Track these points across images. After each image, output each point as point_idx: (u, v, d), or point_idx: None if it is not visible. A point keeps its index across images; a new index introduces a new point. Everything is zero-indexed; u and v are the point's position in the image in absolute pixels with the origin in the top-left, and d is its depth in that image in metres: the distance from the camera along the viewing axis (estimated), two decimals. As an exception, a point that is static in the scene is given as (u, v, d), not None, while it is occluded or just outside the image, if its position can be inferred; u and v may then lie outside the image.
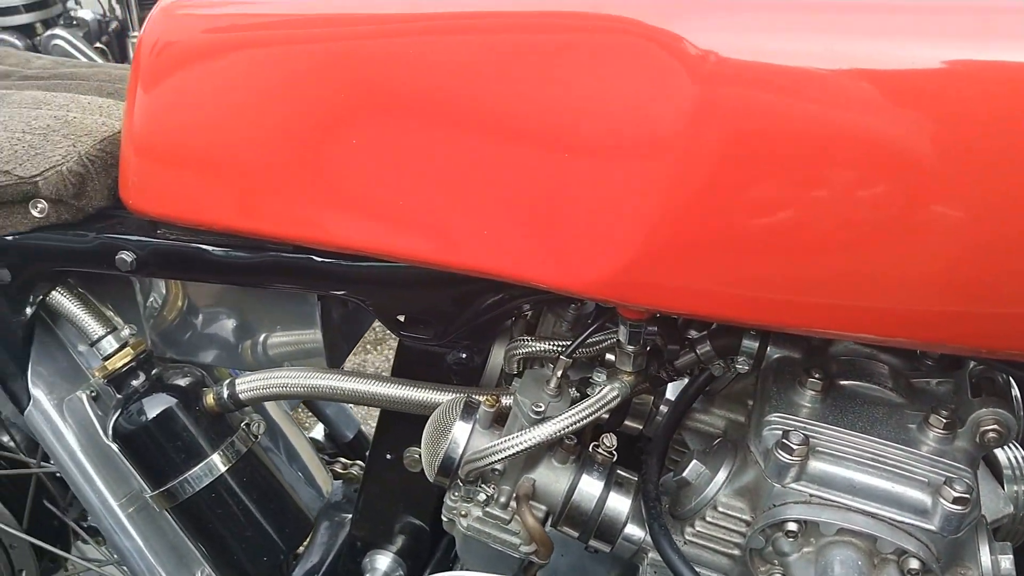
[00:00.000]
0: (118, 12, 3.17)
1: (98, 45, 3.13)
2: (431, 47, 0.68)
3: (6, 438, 1.28)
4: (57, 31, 3.06)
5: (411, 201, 0.72)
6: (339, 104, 0.72)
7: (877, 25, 0.59)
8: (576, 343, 0.77)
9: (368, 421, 1.74)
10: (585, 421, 0.74)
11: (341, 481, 1.21)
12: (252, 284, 0.87)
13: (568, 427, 0.74)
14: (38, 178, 0.83)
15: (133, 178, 0.83)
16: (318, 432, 1.32)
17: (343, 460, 1.21)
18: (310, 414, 1.38)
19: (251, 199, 0.79)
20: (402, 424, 0.92)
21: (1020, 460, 0.84)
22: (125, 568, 1.04)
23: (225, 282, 0.88)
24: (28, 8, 3.08)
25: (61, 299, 0.93)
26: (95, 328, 0.93)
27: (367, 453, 1.24)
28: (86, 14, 3.18)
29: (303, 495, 1.04)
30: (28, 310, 0.93)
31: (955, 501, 0.65)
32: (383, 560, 1.00)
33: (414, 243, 0.73)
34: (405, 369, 0.90)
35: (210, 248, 0.84)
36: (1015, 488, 0.83)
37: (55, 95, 0.92)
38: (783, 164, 0.60)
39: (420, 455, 0.92)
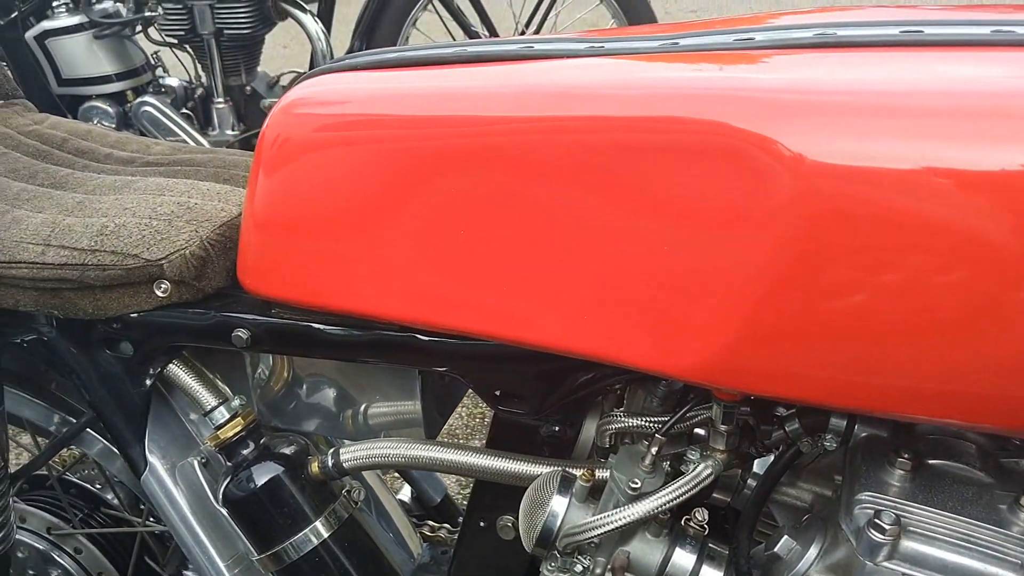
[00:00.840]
0: (203, 79, 3.30)
1: (184, 111, 3.26)
2: (535, 147, 0.73)
3: (110, 496, 1.35)
4: (147, 98, 3.21)
5: (514, 288, 0.76)
6: (446, 200, 0.78)
7: (954, 127, 0.62)
8: (670, 423, 0.80)
9: (453, 485, 1.77)
10: (681, 499, 0.77)
11: (427, 544, 1.25)
12: (359, 360, 0.92)
13: (665, 504, 0.77)
14: (163, 261, 0.90)
15: (251, 262, 0.89)
16: (405, 494, 1.37)
17: (431, 523, 1.25)
18: (397, 476, 1.43)
19: (361, 284, 0.84)
20: (495, 493, 0.95)
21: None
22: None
23: (333, 358, 0.93)
24: (120, 77, 3.23)
25: (177, 371, 0.99)
26: (208, 399, 0.99)
27: (457, 517, 1.29)
28: (173, 81, 3.32)
29: (396, 557, 1.08)
30: (147, 381, 0.99)
31: (1048, 584, 0.66)
32: (475, 623, 1.03)
33: (516, 327, 0.77)
34: (499, 440, 0.94)
35: (320, 327, 0.89)
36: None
37: (176, 182, 0.99)
38: (871, 254, 0.63)
39: (513, 523, 0.96)
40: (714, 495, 0.90)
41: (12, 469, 1.12)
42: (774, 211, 0.65)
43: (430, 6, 3.23)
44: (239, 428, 0.98)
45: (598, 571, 0.82)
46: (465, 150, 0.77)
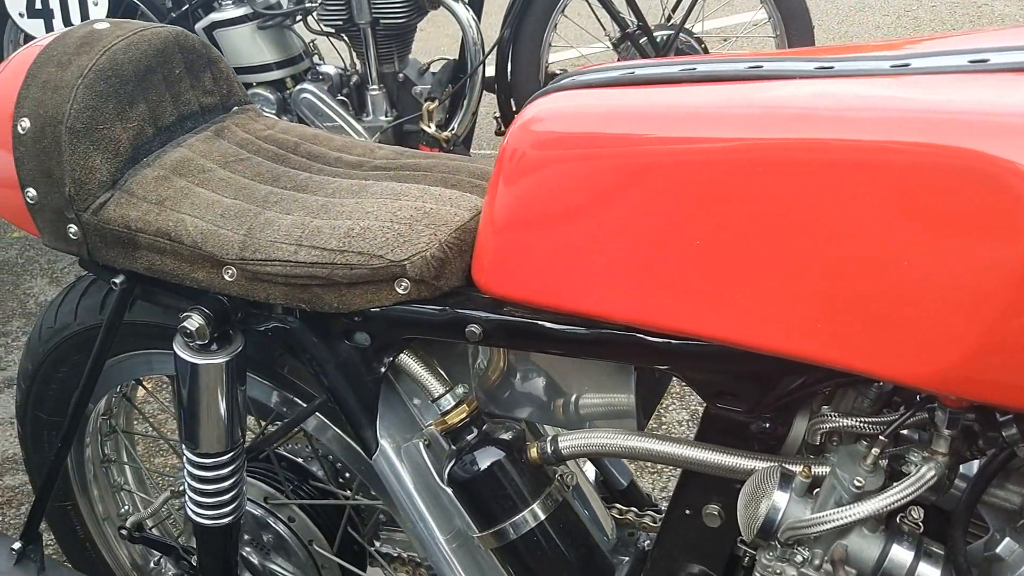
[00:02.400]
0: (358, 67, 3.43)
1: (340, 97, 3.40)
2: (775, 167, 0.78)
3: (315, 468, 1.46)
4: (306, 85, 3.36)
5: (749, 294, 0.82)
6: (680, 213, 0.83)
7: None
8: (894, 427, 0.85)
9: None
10: (907, 499, 0.81)
11: (617, 526, 1.31)
12: (583, 356, 0.99)
13: (891, 504, 0.82)
14: (405, 262, 0.98)
15: (488, 264, 0.97)
16: (590, 476, 1.43)
17: (618, 506, 1.32)
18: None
19: (591, 287, 0.91)
20: (703, 483, 1.01)
21: None
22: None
23: (559, 354, 1.00)
24: (280, 65, 3.39)
25: (408, 361, 1.08)
26: (437, 387, 1.07)
27: (642, 502, 1.35)
28: (329, 69, 3.46)
29: (598, 539, 1.15)
30: (381, 370, 1.08)
31: None
32: (674, 605, 1.10)
33: (750, 332, 0.83)
34: (709, 434, 0.99)
35: (549, 325, 0.96)
36: None
37: (408, 187, 1.07)
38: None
39: (718, 512, 1.02)
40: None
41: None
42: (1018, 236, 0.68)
43: (579, -7, 3.28)
44: (464, 415, 1.07)
45: (816, 562, 0.87)
46: (701, 168, 0.82)
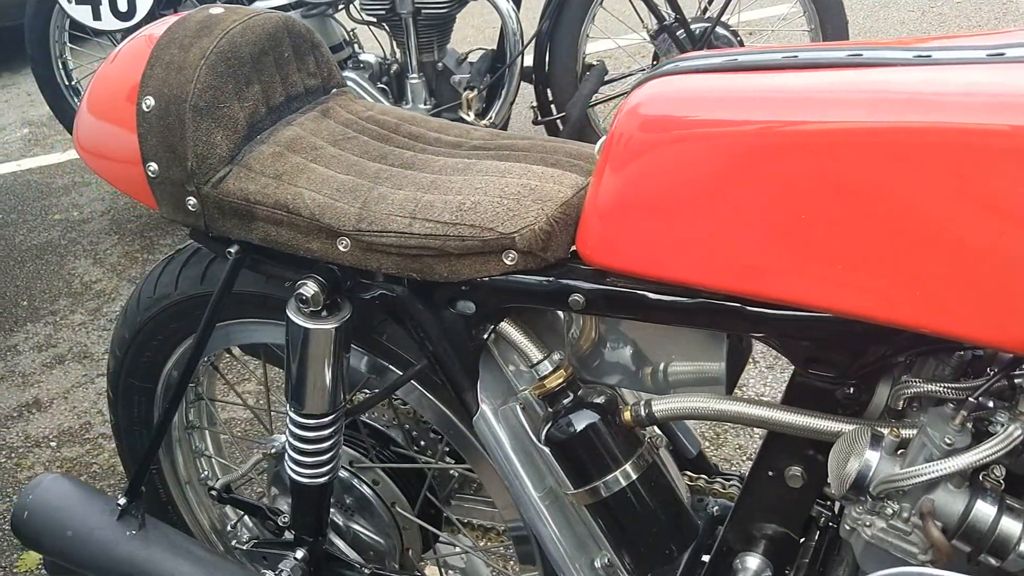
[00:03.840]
0: (398, 56, 3.50)
1: (380, 85, 3.47)
2: (886, 148, 0.85)
3: (396, 435, 1.53)
4: (347, 72, 3.43)
5: (849, 265, 0.89)
6: (787, 190, 0.90)
7: None
8: (983, 389, 0.91)
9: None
10: (995, 456, 0.89)
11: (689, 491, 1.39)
12: (682, 324, 1.06)
13: (981, 460, 0.88)
14: (515, 235, 1.05)
15: (593, 237, 1.04)
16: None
17: (689, 474, 1.39)
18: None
19: (693, 259, 0.98)
20: (787, 446, 1.09)
21: None
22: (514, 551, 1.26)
23: (660, 322, 1.07)
24: (322, 53, 3.45)
25: (509, 328, 1.15)
26: (535, 353, 1.14)
27: (710, 471, 1.42)
28: (370, 57, 3.54)
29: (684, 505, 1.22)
30: (484, 336, 1.16)
31: None
32: (753, 561, 1.17)
33: (848, 300, 0.90)
34: (796, 399, 1.06)
35: (651, 295, 1.03)
36: None
37: (511, 165, 1.14)
38: None
39: (801, 473, 1.09)
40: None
41: (343, 407, 1.31)
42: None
43: (618, -14, 3.34)
44: (561, 380, 1.14)
45: (904, 515, 0.94)
46: (806, 150, 0.89)
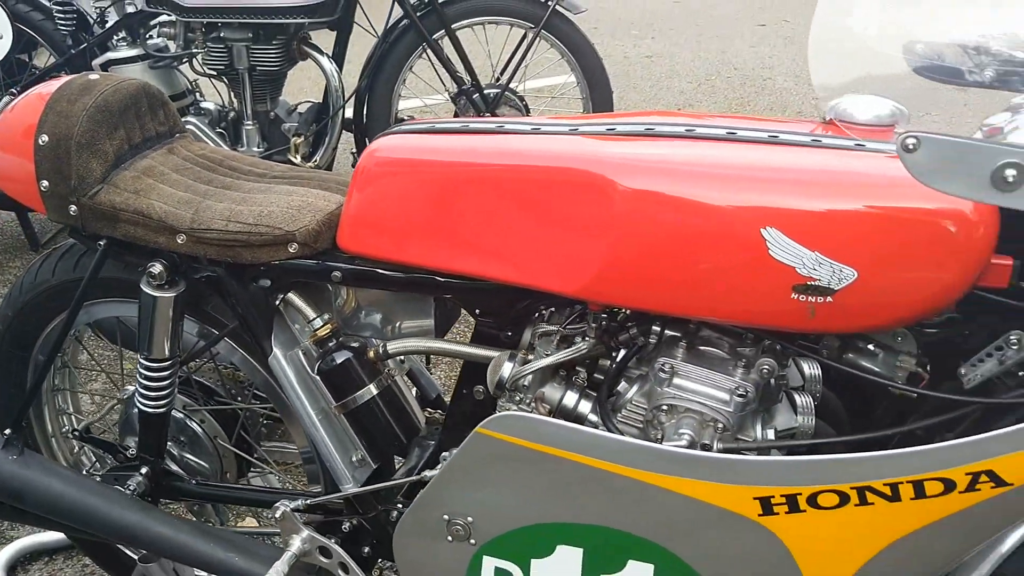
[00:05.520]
0: (235, 105, 4.03)
1: (219, 130, 3.99)
2: (502, 179, 1.48)
3: (217, 387, 2.07)
4: (189, 118, 3.93)
5: (493, 248, 1.51)
6: (455, 206, 1.52)
7: (709, 183, 1.38)
8: (566, 322, 1.55)
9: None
10: (565, 359, 1.52)
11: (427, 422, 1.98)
12: (405, 291, 1.66)
13: (557, 360, 1.52)
14: (296, 231, 1.63)
15: (346, 234, 1.63)
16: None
17: (429, 411, 1.99)
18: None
19: (407, 246, 1.58)
20: (474, 372, 1.70)
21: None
22: (301, 465, 1.82)
23: (391, 290, 1.67)
24: (167, 99, 3.95)
25: (294, 297, 1.72)
26: (311, 313, 1.72)
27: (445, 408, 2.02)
28: (210, 105, 4.05)
29: (414, 419, 1.82)
30: (276, 303, 1.73)
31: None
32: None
33: (496, 270, 1.52)
34: (477, 339, 1.67)
35: (383, 272, 1.63)
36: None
37: (296, 188, 1.73)
38: (663, 232, 1.38)
39: (482, 389, 1.70)
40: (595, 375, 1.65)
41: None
42: (612, 214, 1.40)
43: (424, 55, 3.99)
44: (328, 331, 1.72)
45: (528, 400, 1.57)
46: (473, 178, 1.51)
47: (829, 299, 1.33)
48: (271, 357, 1.75)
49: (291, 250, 1.65)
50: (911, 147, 1.15)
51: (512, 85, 4.05)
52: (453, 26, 3.90)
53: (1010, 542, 1.48)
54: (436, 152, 1.57)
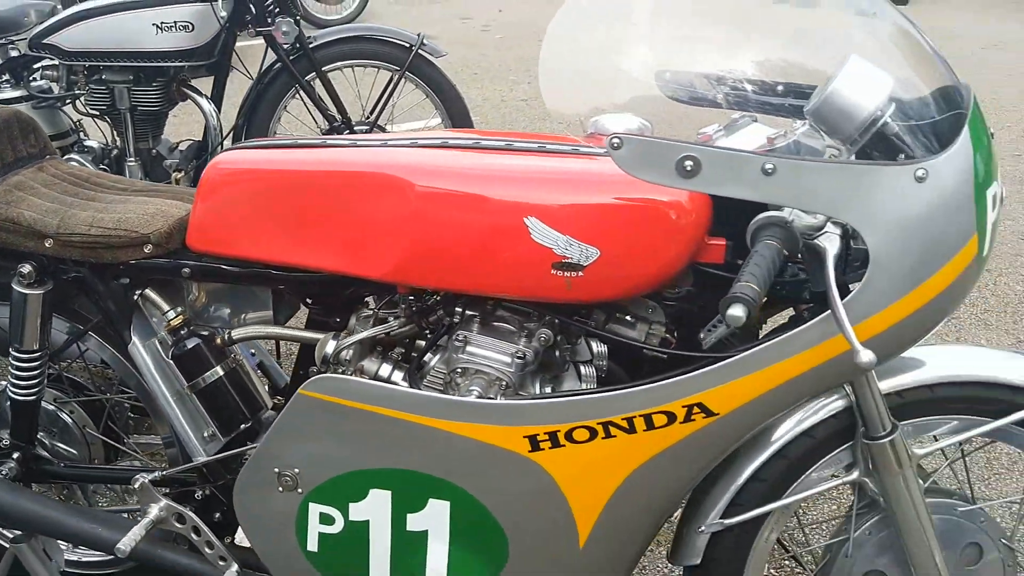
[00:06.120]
0: (118, 143, 4.24)
1: (102, 167, 4.20)
2: (342, 183, 1.78)
3: (85, 381, 2.30)
4: (73, 155, 4.13)
5: (320, 243, 1.80)
6: (287, 206, 1.81)
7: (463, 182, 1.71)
8: (380, 305, 1.86)
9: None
10: (380, 333, 1.82)
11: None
12: (242, 284, 1.94)
13: (374, 334, 1.82)
14: (151, 234, 1.90)
15: (192, 236, 1.91)
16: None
17: (279, 397, 2.25)
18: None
19: (243, 244, 1.87)
20: (308, 353, 1.98)
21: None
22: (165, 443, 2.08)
23: (233, 283, 1.95)
24: (51, 139, 4.14)
25: (150, 293, 1.99)
26: (166, 307, 1.99)
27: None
28: (93, 143, 4.26)
29: (259, 399, 2.09)
30: (135, 297, 1.99)
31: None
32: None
33: (319, 261, 1.81)
34: (310, 325, 1.96)
35: (225, 267, 1.91)
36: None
37: (152, 198, 2.00)
38: (462, 231, 1.70)
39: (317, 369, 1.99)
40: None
41: (48, 352, 2.09)
42: (409, 209, 1.71)
43: (297, 96, 4.29)
44: (180, 321, 1.99)
45: (349, 372, 1.86)
46: (306, 184, 1.81)
47: (580, 274, 1.66)
48: (131, 346, 2.00)
49: (146, 250, 1.91)
50: (616, 145, 1.49)
51: (382, 123, 4.37)
52: (323, 68, 4.21)
53: (745, 475, 1.83)
54: (269, 163, 1.86)
